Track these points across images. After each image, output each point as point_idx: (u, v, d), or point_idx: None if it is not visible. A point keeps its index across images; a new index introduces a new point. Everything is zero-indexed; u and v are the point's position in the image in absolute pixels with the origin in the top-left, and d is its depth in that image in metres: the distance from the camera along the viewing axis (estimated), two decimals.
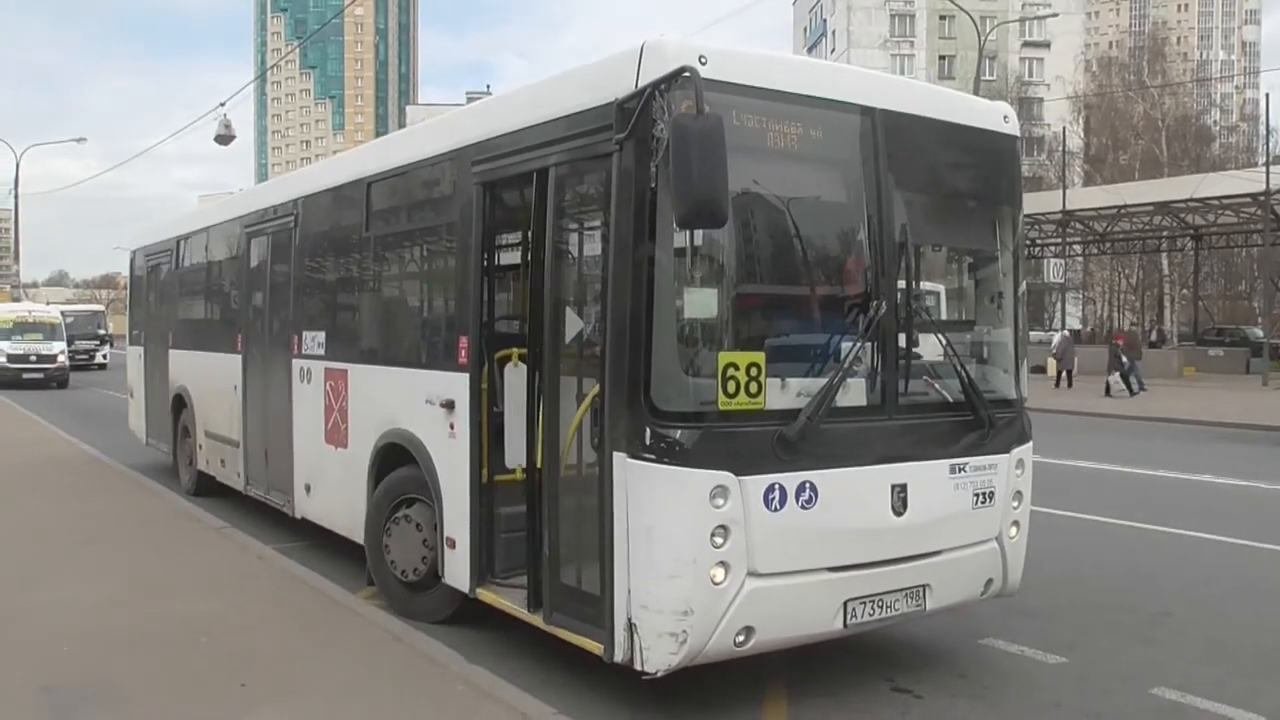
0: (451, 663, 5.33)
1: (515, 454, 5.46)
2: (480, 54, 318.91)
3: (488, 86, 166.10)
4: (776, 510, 4.57)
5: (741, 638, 4.58)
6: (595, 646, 4.77)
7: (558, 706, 4.76)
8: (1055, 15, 60.59)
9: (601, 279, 4.75)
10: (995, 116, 5.73)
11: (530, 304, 5.35)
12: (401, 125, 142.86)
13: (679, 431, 4.44)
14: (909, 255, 5.13)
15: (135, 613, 6.20)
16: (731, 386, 4.49)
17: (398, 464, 6.61)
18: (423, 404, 6.18)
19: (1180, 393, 27.62)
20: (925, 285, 5.69)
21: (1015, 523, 5.52)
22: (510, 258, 6.67)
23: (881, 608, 4.99)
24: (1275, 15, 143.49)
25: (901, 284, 5.09)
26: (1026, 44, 71.51)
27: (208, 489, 10.64)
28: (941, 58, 72.29)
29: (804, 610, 4.77)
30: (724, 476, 4.45)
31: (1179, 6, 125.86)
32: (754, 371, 4.53)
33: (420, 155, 6.64)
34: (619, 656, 4.61)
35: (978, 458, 5.28)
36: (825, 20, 77.93)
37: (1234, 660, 5.78)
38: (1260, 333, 37.61)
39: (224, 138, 23.76)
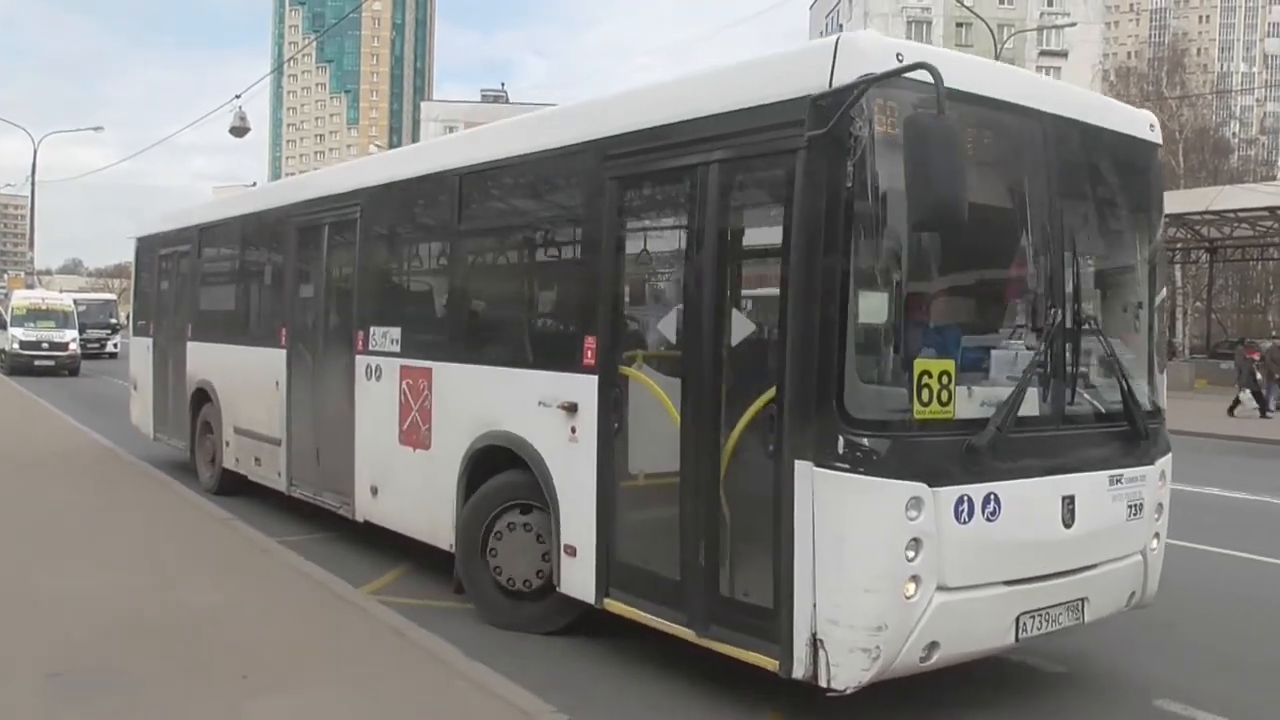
0: (453, 659, 5.34)
1: (649, 460, 5.36)
2: (498, 52, 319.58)
3: (502, 84, 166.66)
4: (965, 523, 4.48)
5: (925, 653, 4.48)
6: (767, 662, 4.60)
7: (557, 704, 4.76)
8: (1073, 25, 60.27)
9: (782, 280, 4.57)
10: (1142, 124, 5.71)
11: (685, 305, 5.18)
12: (416, 121, 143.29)
13: (875, 440, 4.32)
14: (1077, 262, 5.13)
15: (142, 602, 6.23)
16: (925, 394, 4.41)
17: (495, 468, 6.38)
18: (535, 406, 5.94)
19: (1190, 404, 27.48)
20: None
21: (1156, 534, 5.47)
22: (640, 255, 6.31)
23: (1048, 621, 4.90)
24: None
25: (1070, 290, 5.05)
26: (1044, 53, 71.28)
27: (233, 487, 10.30)
28: None
29: (983, 624, 4.68)
30: (918, 488, 4.34)
31: (1200, 18, 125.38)
32: (945, 379, 4.45)
33: (536, 146, 6.35)
34: (799, 673, 4.45)
35: (1132, 469, 5.22)
36: (841, 26, 77.70)
37: (1241, 673, 5.73)
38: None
39: (239, 129, 23.84)
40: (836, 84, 4.39)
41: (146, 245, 13.22)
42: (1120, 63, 73.35)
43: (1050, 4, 71.90)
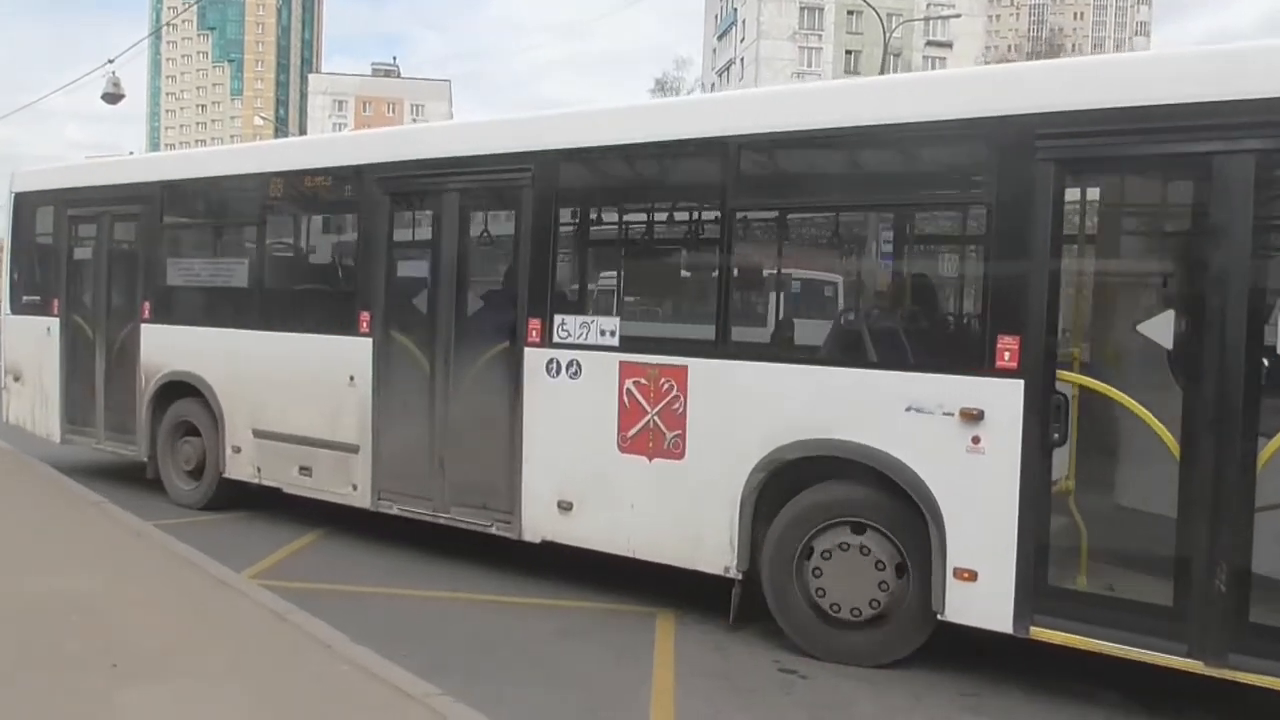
0: (336, 642, 5.23)
1: (1106, 473, 5.13)
2: (390, 25, 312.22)
3: (394, 58, 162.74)
4: None
5: None
6: None
7: (444, 686, 4.71)
8: (958, 16, 62.06)
9: None
10: None
11: (1183, 305, 4.79)
12: (304, 94, 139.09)
13: None
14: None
15: (6, 588, 5.93)
16: None
17: (798, 482, 5.78)
18: (902, 413, 5.32)
19: None
20: None
21: None
22: (1090, 248, 5.72)
23: None
24: (1163, 28, 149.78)
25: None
26: (930, 43, 73.06)
27: (229, 501, 8.87)
28: (848, 52, 73.41)
29: None
30: None
31: (1075, 14, 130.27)
32: None
33: (911, 114, 5.44)
34: None
35: None
36: (736, 9, 78.34)
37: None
38: None
39: (111, 96, 22.71)
40: None
41: (40, 202, 10.59)
42: (1002, 55, 75.72)
43: None
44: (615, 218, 7.13)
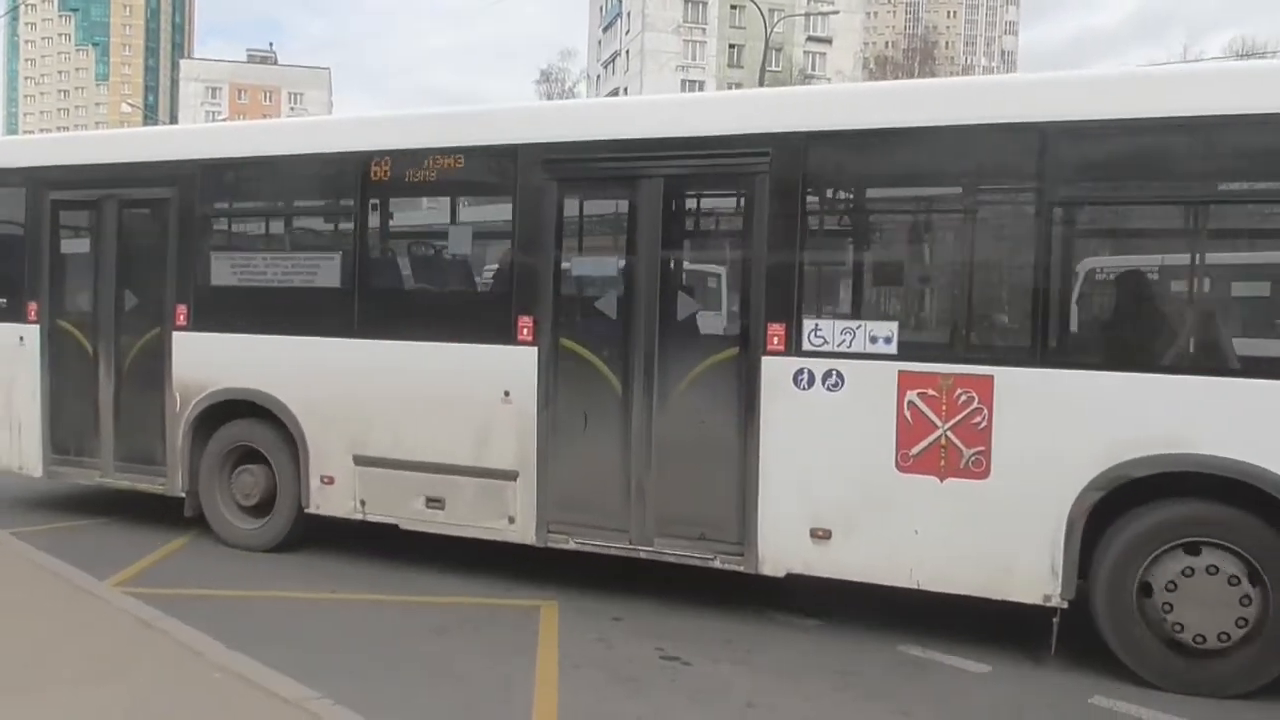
0: (208, 649, 5.09)
1: None
2: (269, 8, 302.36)
3: (270, 44, 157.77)
4: None
5: None
6: None
7: (321, 690, 4.63)
8: (837, 12, 63.41)
9: None
10: None
11: None
12: (174, 80, 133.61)
13: None
14: None
15: None
16: None
17: (1127, 502, 5.32)
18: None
19: None
20: None
21: None
22: None
23: None
24: (1030, 28, 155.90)
25: None
26: (811, 39, 74.45)
27: (301, 540, 7.57)
28: (731, 46, 74.34)
29: None
30: None
31: (949, 13, 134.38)
32: None
33: None
34: None
35: None
36: (620, 2, 78.50)
37: (970, 618, 6.24)
38: None
39: None
40: None
41: (2, 182, 8.70)
42: (879, 52, 77.68)
43: None
44: (889, 209, 6.51)
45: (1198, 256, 5.41)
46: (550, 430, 6.53)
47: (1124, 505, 5.30)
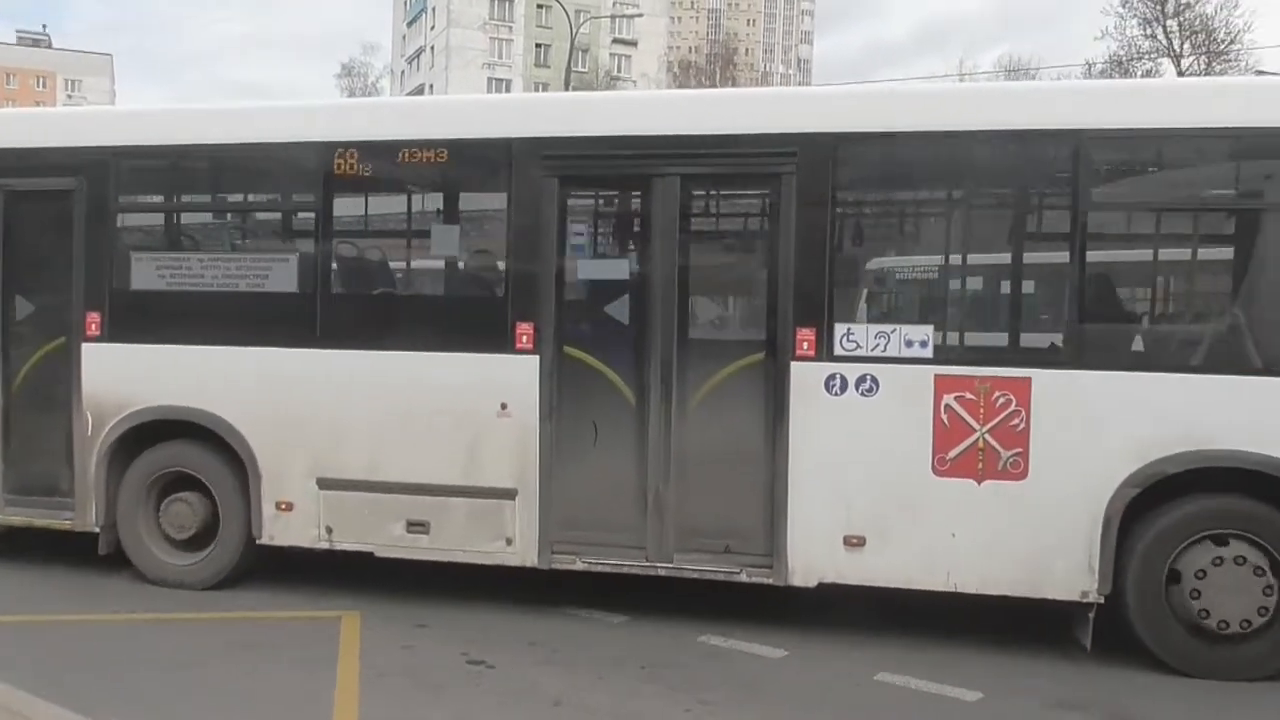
0: None
1: None
2: None
3: (44, 26, 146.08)
4: None
5: None
6: None
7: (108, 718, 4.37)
8: (641, 15, 64.38)
9: None
10: None
11: None
12: None
13: None
14: None
15: None
16: None
17: (1159, 496, 5.44)
18: None
19: None
20: None
21: None
22: None
23: None
24: (824, 38, 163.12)
25: None
26: (616, 41, 75.34)
27: (244, 575, 6.81)
28: (538, 45, 74.32)
29: None
30: None
31: (748, 21, 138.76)
32: None
33: None
34: None
35: None
36: None
37: (789, 610, 6.47)
38: None
39: None
40: None
41: None
42: (683, 57, 79.41)
43: None
44: (921, 211, 6.42)
45: (1231, 258, 5.78)
46: (553, 444, 6.19)
47: (1153, 500, 5.48)
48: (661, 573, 6.12)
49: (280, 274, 6.71)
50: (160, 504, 6.85)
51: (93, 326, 6.88)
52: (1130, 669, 5.51)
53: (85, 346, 6.87)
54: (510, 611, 6.31)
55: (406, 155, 6.42)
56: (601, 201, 6.73)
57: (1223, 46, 40.92)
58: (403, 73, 78.61)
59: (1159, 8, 41.46)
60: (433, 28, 75.32)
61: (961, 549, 5.69)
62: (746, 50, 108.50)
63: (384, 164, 6.55)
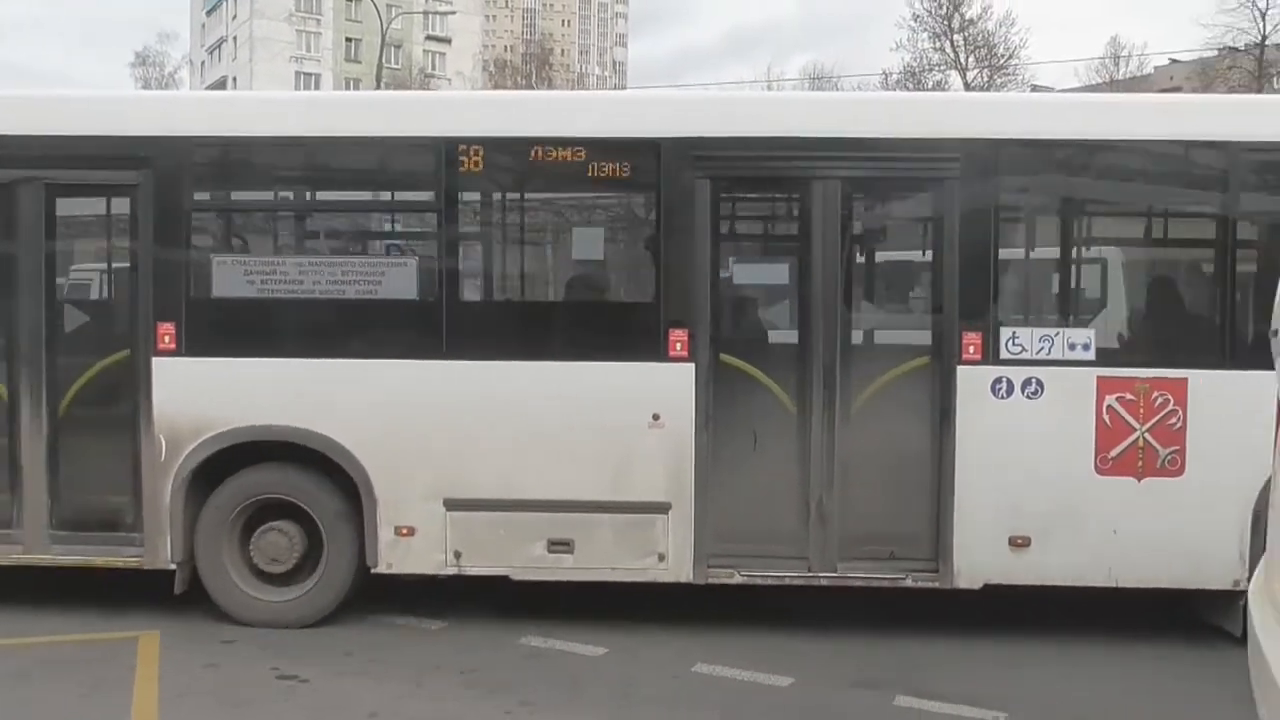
0: None
1: None
2: None
3: None
4: None
5: None
6: None
7: None
8: (454, 12, 63.55)
9: None
10: None
11: None
12: None
13: None
14: None
15: None
16: None
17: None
18: None
19: None
20: None
21: None
22: None
23: None
24: (638, 41, 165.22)
25: None
26: (430, 38, 74.19)
27: (48, 587, 6.21)
28: (349, 40, 72.26)
29: None
30: None
31: (563, 21, 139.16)
32: None
33: None
34: None
35: None
36: None
37: (609, 609, 6.48)
38: None
39: None
40: None
41: None
42: (498, 55, 78.93)
43: None
44: (1084, 216, 6.40)
45: None
46: (710, 455, 5.96)
47: None
48: (823, 582, 6.03)
49: (397, 279, 6.22)
50: (244, 535, 6.16)
51: (165, 339, 6.08)
52: (925, 648, 5.85)
53: (156, 361, 6.07)
54: (324, 623, 6.11)
55: (539, 153, 6.07)
56: (758, 204, 6.65)
57: (1002, 61, 43.99)
58: (203, 63, 74.87)
59: (946, 23, 44.10)
60: (235, 17, 72.03)
61: (1122, 546, 5.82)
62: (563, 51, 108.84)
63: (513, 162, 6.21)
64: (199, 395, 6.07)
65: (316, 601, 6.10)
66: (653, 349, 5.95)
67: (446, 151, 6.06)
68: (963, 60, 43.75)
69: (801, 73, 64.36)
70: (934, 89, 41.22)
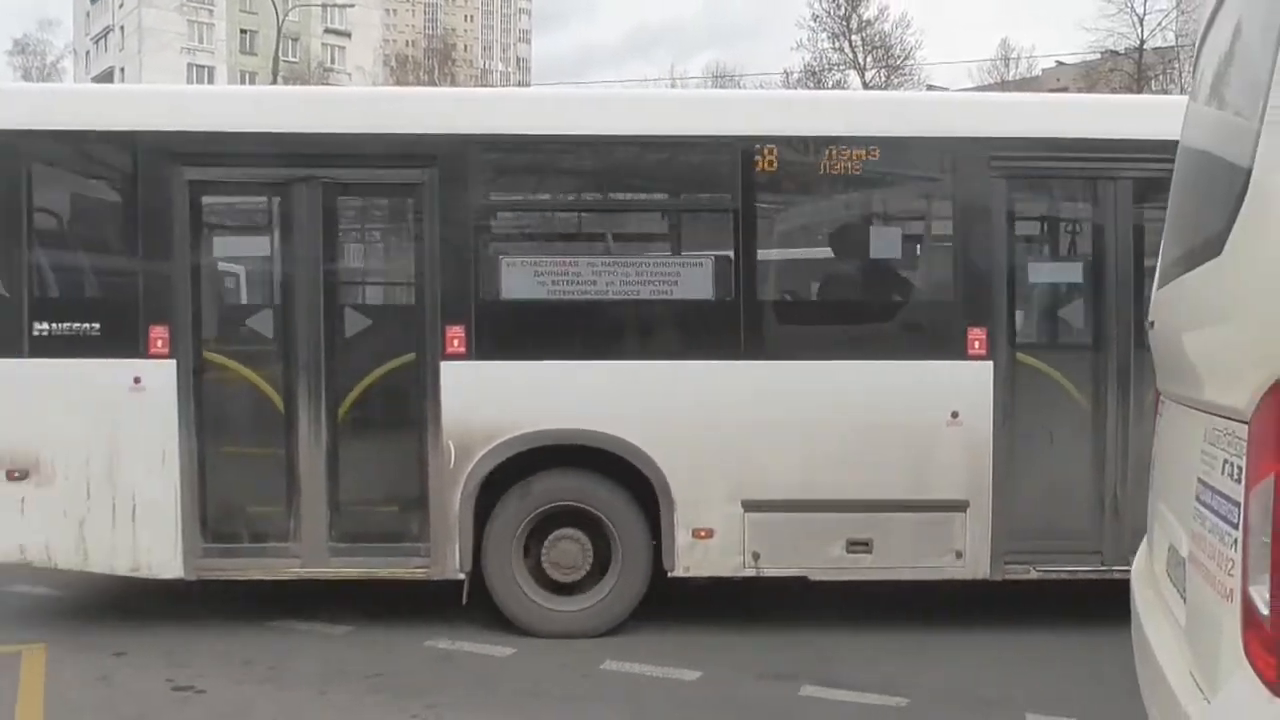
0: None
1: None
2: None
3: None
4: None
5: None
6: None
7: None
8: (354, 5, 62.21)
9: None
10: None
11: None
12: None
13: None
14: None
15: None
16: None
17: None
18: None
19: None
20: None
21: None
22: None
23: None
24: (541, 37, 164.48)
25: None
26: (329, 31, 72.58)
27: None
28: (243, 31, 70.26)
29: None
30: None
31: (466, 17, 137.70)
32: None
33: None
34: None
35: None
36: None
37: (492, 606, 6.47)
38: None
39: None
40: None
41: (88, 148, 6.04)
42: (399, 50, 77.69)
43: None
44: None
45: None
46: (1008, 453, 5.95)
47: None
48: (1116, 575, 5.76)
49: (693, 280, 6.13)
50: (530, 543, 6.04)
51: (455, 342, 5.91)
52: (837, 639, 5.95)
53: (445, 365, 5.90)
54: (220, 630, 5.94)
55: (833, 152, 5.99)
56: (1051, 203, 6.56)
57: (899, 62, 45.09)
58: (88, 53, 71.94)
59: (845, 23, 44.99)
60: (121, 6, 69.38)
61: None
62: (465, 46, 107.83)
63: (807, 161, 6.12)
64: (490, 400, 5.93)
65: (613, 608, 6.02)
66: (953, 347, 5.97)
67: (743, 151, 6.03)
68: (861, 60, 44.68)
69: (704, 71, 64.94)
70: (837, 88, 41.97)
